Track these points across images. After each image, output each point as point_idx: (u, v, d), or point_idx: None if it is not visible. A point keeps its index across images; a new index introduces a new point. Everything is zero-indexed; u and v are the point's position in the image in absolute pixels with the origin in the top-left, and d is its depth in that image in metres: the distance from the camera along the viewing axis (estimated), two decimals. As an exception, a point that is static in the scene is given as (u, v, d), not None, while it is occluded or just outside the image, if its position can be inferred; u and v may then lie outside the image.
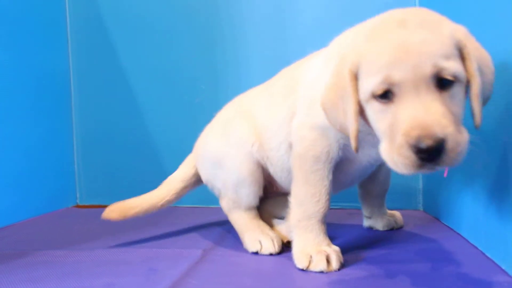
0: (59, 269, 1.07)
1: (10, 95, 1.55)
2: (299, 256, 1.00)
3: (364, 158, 1.05)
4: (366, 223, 1.33)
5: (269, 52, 1.71)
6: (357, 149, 0.89)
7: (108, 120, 1.86)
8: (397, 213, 1.32)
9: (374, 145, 0.95)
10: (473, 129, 0.82)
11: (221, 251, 1.18)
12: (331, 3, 1.66)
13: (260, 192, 1.22)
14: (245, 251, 1.16)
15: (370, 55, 0.82)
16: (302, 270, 0.99)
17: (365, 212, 1.33)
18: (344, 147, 1.02)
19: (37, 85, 1.69)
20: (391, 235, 1.25)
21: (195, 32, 1.77)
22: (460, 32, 0.81)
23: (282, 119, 1.13)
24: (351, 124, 0.86)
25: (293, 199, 1.06)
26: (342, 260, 0.99)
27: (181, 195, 1.36)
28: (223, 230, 1.37)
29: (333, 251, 0.99)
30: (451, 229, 1.25)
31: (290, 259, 1.03)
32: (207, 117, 1.73)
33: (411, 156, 0.75)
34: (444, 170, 1.01)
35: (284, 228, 1.20)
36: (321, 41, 1.12)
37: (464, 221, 1.17)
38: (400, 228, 1.30)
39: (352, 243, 1.17)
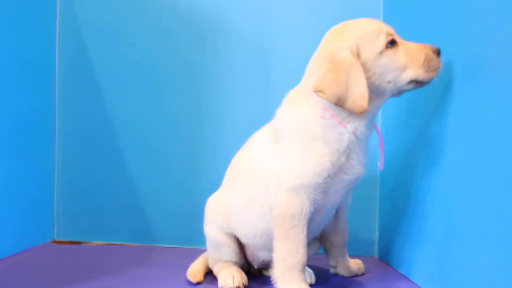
0: None
1: None
2: (288, 303, 1.19)
3: (328, 202, 1.28)
4: (333, 270, 1.54)
5: (253, 91, 1.89)
6: (366, 108, 1.14)
7: (90, 160, 1.96)
8: (359, 261, 1.55)
9: (336, 192, 1.25)
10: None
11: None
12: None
13: (238, 251, 1.44)
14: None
15: (363, 33, 1.18)
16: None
17: (331, 262, 1.53)
18: (314, 201, 1.24)
19: (21, 120, 1.74)
20: (356, 280, 1.47)
21: (183, 80, 1.92)
22: None
23: (250, 198, 1.35)
24: (364, 90, 1.13)
25: (275, 255, 1.26)
26: (323, 305, 1.20)
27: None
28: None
29: (316, 298, 1.20)
30: (402, 274, 1.49)
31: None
32: (187, 164, 1.92)
33: (435, 58, 1.19)
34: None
35: None
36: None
37: (414, 268, 1.42)
38: (362, 274, 1.53)
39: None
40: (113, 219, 1.95)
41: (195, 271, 1.45)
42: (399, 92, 1.25)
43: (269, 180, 1.28)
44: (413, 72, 1.19)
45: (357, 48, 1.17)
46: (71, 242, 1.95)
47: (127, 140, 1.95)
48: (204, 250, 1.63)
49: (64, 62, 1.96)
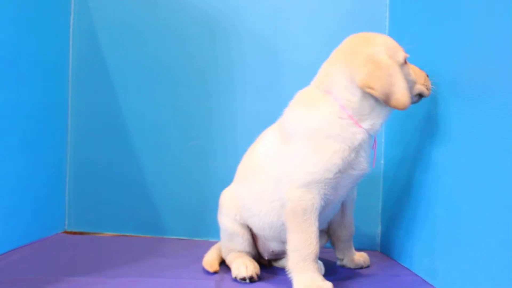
0: None
1: (6, 123, 1.60)
2: (302, 291, 1.27)
3: (336, 197, 1.36)
4: (340, 263, 1.61)
5: (263, 90, 1.96)
6: (408, 105, 1.26)
7: (101, 154, 2.02)
8: (364, 254, 1.62)
9: (344, 187, 1.35)
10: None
11: (229, 281, 1.40)
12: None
13: (251, 240, 1.52)
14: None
15: (389, 44, 1.32)
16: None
17: (338, 255, 1.61)
18: (324, 196, 1.31)
19: (34, 114, 1.78)
20: (362, 272, 1.54)
21: (194, 78, 1.98)
22: None
23: (260, 193, 1.42)
24: (405, 88, 1.25)
25: (289, 246, 1.33)
26: (335, 294, 1.27)
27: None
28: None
29: (329, 286, 1.26)
30: (405, 267, 1.58)
31: None
32: (197, 159, 1.98)
33: (429, 80, 1.38)
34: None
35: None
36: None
37: (416, 261, 1.50)
38: (367, 267, 1.61)
39: (335, 279, 1.45)
40: (123, 211, 2.01)
41: (211, 261, 1.52)
42: None
43: (281, 177, 1.35)
44: (419, 87, 1.37)
45: (392, 56, 1.29)
46: (82, 233, 2.00)
47: (138, 135, 2.01)
48: (213, 242, 1.71)
49: (78, 59, 2.01)
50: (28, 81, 1.73)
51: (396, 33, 1.82)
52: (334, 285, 1.29)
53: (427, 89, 1.38)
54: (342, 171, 1.30)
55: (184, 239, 1.97)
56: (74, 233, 2.01)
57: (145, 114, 2.00)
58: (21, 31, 1.67)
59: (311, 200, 1.30)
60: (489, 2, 1.14)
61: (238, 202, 1.51)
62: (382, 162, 1.85)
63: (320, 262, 1.48)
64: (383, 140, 1.88)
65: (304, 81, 1.87)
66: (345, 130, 1.29)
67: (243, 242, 1.51)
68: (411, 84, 1.34)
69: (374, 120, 1.31)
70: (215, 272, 1.48)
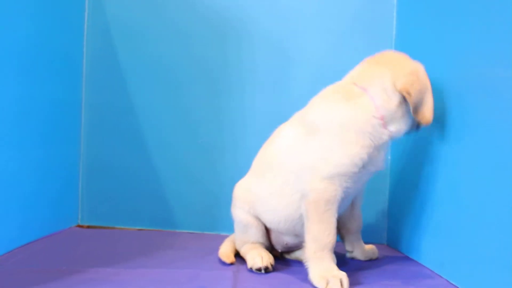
0: (119, 285, 1.26)
1: (22, 119, 1.62)
2: (318, 280, 1.31)
3: (352, 191, 1.43)
4: (349, 255, 1.67)
5: (273, 89, 2.01)
6: (430, 122, 1.41)
7: (113, 150, 2.06)
8: (373, 247, 1.68)
9: (361, 181, 1.43)
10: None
11: (246, 271, 1.45)
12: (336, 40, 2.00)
13: (264, 231, 1.57)
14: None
15: (425, 74, 1.43)
16: (321, 289, 1.30)
17: (347, 247, 1.67)
18: (346, 189, 1.38)
19: (49, 110, 1.81)
20: (371, 264, 1.60)
21: (204, 76, 2.03)
22: None
23: (278, 188, 1.48)
24: (431, 104, 1.40)
25: (308, 236, 1.38)
26: (348, 283, 1.32)
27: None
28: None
29: (344, 275, 1.31)
30: (413, 259, 1.63)
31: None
32: (207, 154, 2.03)
33: None
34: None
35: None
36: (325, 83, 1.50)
37: (423, 253, 1.56)
38: (376, 259, 1.66)
39: (346, 270, 1.50)
40: (134, 205, 2.05)
41: (227, 253, 1.56)
42: None
43: (303, 168, 1.40)
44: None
45: None
46: (94, 227, 2.04)
47: (149, 132, 2.05)
48: (222, 236, 1.76)
49: (91, 57, 2.05)
50: (44, 79, 1.76)
51: (403, 33, 1.88)
52: (348, 275, 1.34)
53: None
54: (365, 166, 1.37)
55: (195, 233, 2.01)
56: (87, 227, 2.05)
57: (157, 111, 2.05)
58: (37, 30, 1.71)
59: (334, 192, 1.36)
60: (493, 2, 1.19)
61: (252, 197, 1.56)
62: (389, 157, 1.90)
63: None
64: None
65: (314, 80, 1.95)
66: (375, 129, 1.37)
67: (257, 233, 1.56)
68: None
69: (401, 126, 1.40)
70: (231, 264, 1.52)
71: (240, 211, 1.58)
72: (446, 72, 1.46)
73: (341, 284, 1.29)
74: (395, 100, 1.37)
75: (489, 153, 1.19)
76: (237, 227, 1.60)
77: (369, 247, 1.68)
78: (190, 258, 1.58)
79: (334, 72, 1.91)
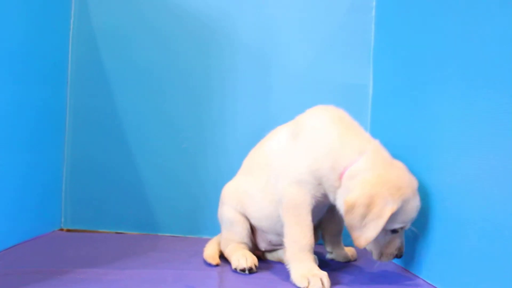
0: (108, 285, 1.28)
1: (5, 123, 1.61)
2: (300, 279, 1.37)
3: (326, 200, 1.48)
4: (329, 256, 1.74)
5: (254, 97, 2.08)
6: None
7: (97, 154, 2.08)
8: (352, 249, 1.75)
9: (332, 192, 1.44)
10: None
11: (230, 272, 1.50)
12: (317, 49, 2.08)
13: (249, 230, 1.63)
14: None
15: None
16: (302, 289, 1.36)
17: (327, 248, 1.74)
18: (315, 198, 1.44)
19: (32, 116, 1.81)
20: (350, 265, 1.67)
21: (186, 83, 2.08)
22: None
23: (263, 185, 1.56)
24: (372, 236, 1.34)
25: (286, 239, 1.45)
26: (329, 282, 1.38)
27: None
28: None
29: (324, 275, 1.38)
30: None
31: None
32: (190, 159, 2.08)
33: None
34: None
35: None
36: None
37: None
38: (354, 260, 1.74)
39: (327, 270, 1.57)
40: (118, 209, 2.08)
41: (212, 254, 1.61)
42: None
43: (281, 172, 1.49)
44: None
45: None
46: (78, 230, 2.06)
47: (133, 136, 2.09)
48: (206, 239, 1.81)
49: (76, 61, 2.08)
50: (28, 83, 1.77)
51: (381, 44, 1.97)
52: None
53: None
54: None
55: (178, 236, 2.05)
56: (70, 230, 2.06)
57: (140, 116, 2.08)
58: (22, 34, 1.72)
59: (303, 197, 1.43)
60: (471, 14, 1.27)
61: (240, 194, 1.63)
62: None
63: (314, 255, 1.60)
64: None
65: (294, 90, 2.04)
66: (329, 177, 1.42)
67: (242, 231, 1.62)
68: None
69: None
70: (217, 265, 1.57)
71: (227, 208, 1.64)
72: (422, 84, 1.53)
73: (322, 283, 1.35)
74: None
75: (488, 159, 1.16)
76: (223, 225, 1.66)
77: (348, 249, 1.75)
78: (175, 260, 1.62)
79: (314, 82, 2.01)
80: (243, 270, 1.50)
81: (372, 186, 1.30)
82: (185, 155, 2.09)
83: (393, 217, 1.31)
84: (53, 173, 2.02)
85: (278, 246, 1.65)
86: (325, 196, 1.45)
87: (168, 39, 2.08)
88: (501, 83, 1.11)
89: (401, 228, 1.39)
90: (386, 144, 1.73)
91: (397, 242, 1.42)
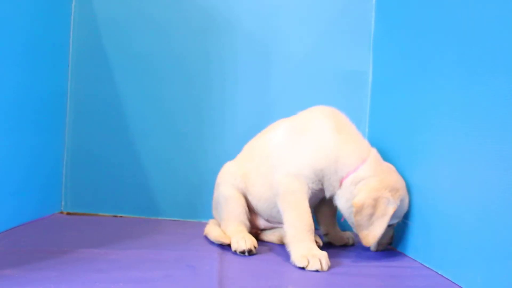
0: (109, 264, 1.29)
1: (7, 108, 1.62)
2: (299, 259, 1.40)
3: (321, 194, 1.56)
4: (325, 239, 1.76)
5: (254, 87, 2.10)
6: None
7: (97, 138, 2.10)
8: (349, 233, 1.78)
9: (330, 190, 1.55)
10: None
11: (230, 254, 1.52)
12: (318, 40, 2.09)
13: (245, 205, 1.67)
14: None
15: None
16: (302, 268, 1.38)
17: (322, 230, 1.76)
18: (312, 189, 1.52)
19: (34, 101, 1.82)
20: (351, 248, 1.70)
21: (186, 71, 2.10)
22: None
23: (263, 172, 1.63)
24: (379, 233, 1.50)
25: (286, 223, 1.49)
26: (329, 262, 1.41)
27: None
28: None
29: (323, 255, 1.40)
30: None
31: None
32: (189, 146, 2.10)
33: None
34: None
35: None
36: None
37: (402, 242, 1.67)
38: (352, 244, 1.76)
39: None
40: (118, 194, 2.10)
41: (222, 234, 1.63)
42: None
43: (279, 163, 1.57)
44: None
45: None
46: (78, 214, 2.08)
47: (132, 122, 2.10)
48: (204, 223, 1.82)
49: (77, 48, 2.09)
50: (30, 69, 1.78)
51: (381, 33, 1.99)
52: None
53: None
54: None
55: (177, 220, 2.07)
56: (70, 213, 2.08)
57: (140, 102, 2.10)
58: (23, 21, 1.72)
59: (299, 186, 1.50)
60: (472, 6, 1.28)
61: (244, 171, 1.69)
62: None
63: (317, 236, 1.63)
64: (367, 129, 2.04)
65: (293, 78, 2.05)
66: (329, 176, 1.54)
67: (238, 207, 1.66)
68: None
69: (345, 207, 1.56)
70: (228, 245, 1.58)
71: (223, 187, 1.69)
72: (422, 72, 1.55)
73: (320, 263, 1.38)
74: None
75: (484, 155, 1.17)
76: (220, 206, 1.70)
77: (344, 233, 1.77)
78: (175, 242, 1.64)
79: (314, 69, 2.02)
80: (243, 252, 1.52)
81: (377, 190, 1.46)
82: (183, 142, 2.10)
83: (393, 214, 1.48)
84: (54, 158, 2.04)
85: (276, 224, 1.68)
86: (321, 190, 1.54)
87: (169, 26, 2.10)
88: (501, 69, 1.13)
89: (397, 222, 1.57)
90: (386, 130, 1.77)
91: (390, 233, 1.62)
